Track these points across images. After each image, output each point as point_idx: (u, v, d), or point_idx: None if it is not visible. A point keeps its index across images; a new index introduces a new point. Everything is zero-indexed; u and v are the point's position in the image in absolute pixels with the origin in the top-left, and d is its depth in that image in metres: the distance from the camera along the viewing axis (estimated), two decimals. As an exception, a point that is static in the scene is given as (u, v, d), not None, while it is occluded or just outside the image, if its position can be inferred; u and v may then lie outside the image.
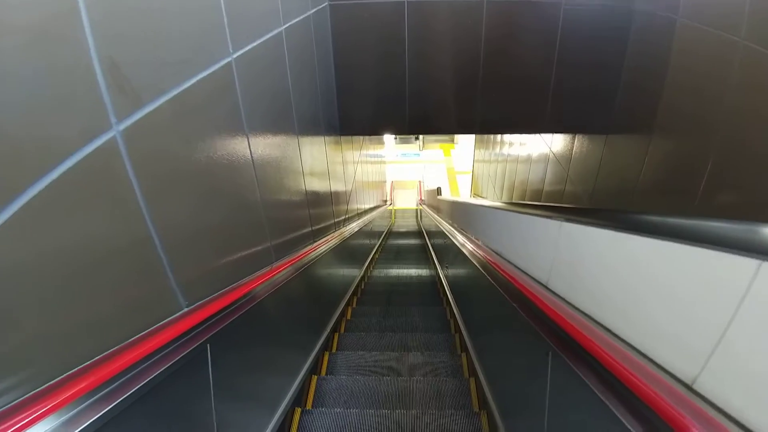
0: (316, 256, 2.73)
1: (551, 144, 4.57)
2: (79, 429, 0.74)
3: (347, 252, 4.33)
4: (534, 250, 1.52)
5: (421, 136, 16.41)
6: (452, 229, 4.29)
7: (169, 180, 1.05)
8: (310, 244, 2.58)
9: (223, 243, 1.39)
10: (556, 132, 4.30)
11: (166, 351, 0.99)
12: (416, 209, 12.58)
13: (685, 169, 2.39)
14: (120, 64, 0.91)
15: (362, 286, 5.32)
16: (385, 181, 12.36)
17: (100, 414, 0.78)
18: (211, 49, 1.28)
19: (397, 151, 16.59)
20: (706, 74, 2.34)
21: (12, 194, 0.66)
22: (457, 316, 3.48)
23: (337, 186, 3.79)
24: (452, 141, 16.81)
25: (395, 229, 11.25)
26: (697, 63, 2.43)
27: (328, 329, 3.16)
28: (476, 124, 3.79)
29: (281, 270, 1.89)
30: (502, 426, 1.82)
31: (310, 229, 2.61)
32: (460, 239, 3.59)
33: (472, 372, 2.57)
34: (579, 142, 3.87)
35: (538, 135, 5.02)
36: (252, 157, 1.58)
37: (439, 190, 9.03)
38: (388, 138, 15.34)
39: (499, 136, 7.74)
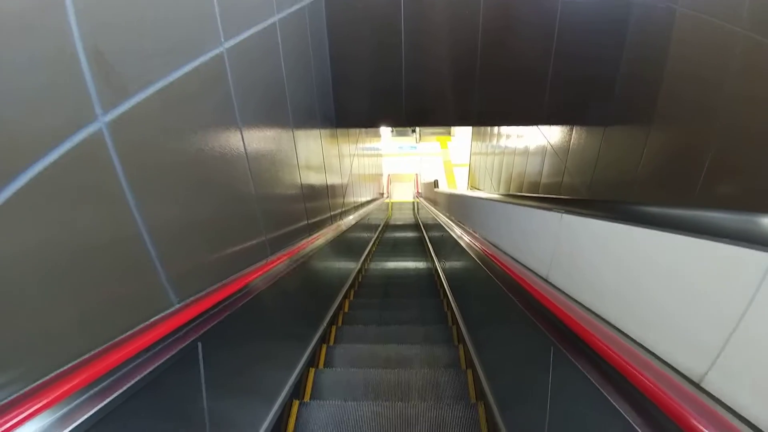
0: (313, 250, 2.71)
1: (549, 136, 4.54)
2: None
3: (344, 245, 4.31)
4: (534, 243, 1.50)
5: (417, 129, 16.34)
6: (449, 221, 4.27)
7: (158, 173, 1.02)
8: (307, 237, 2.56)
9: (216, 237, 1.36)
10: (555, 124, 4.28)
11: (157, 349, 0.97)
12: (413, 202, 12.55)
13: (685, 160, 2.38)
14: (106, 54, 0.87)
15: (359, 279, 5.32)
16: (381, 174, 12.31)
17: (88, 415, 0.76)
18: (201, 39, 1.24)
19: (394, 143, 16.51)
20: (706, 64, 2.32)
21: (-9, 189, 0.63)
22: (454, 308, 3.49)
23: (333, 179, 3.76)
24: (449, 133, 16.74)
25: (392, 222, 11.23)
26: (697, 53, 2.41)
27: (326, 322, 3.16)
28: (473, 115, 3.75)
29: (277, 264, 1.87)
30: (499, 416, 1.83)
31: (306, 222, 2.58)
32: (457, 232, 3.58)
33: (470, 363, 2.57)
34: (577, 134, 3.85)
35: (535, 127, 4.99)
36: (245, 149, 1.54)
37: (436, 183, 9.00)
38: (385, 131, 15.27)
39: (496, 129, 7.70)
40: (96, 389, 0.81)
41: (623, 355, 0.77)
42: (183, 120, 1.14)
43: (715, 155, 2.12)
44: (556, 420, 1.19)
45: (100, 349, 0.82)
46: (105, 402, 0.81)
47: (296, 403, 2.16)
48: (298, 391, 2.30)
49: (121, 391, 0.84)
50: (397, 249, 7.88)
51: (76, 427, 0.74)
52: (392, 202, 12.99)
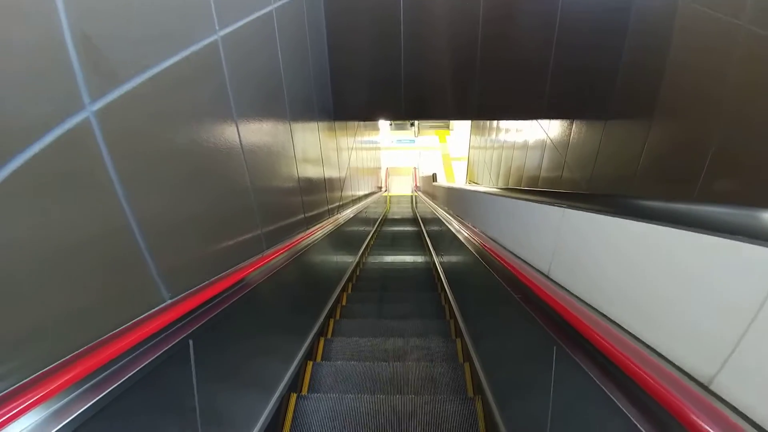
0: (310, 243, 2.68)
1: (548, 130, 4.51)
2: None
3: (342, 239, 4.29)
4: (535, 238, 1.47)
5: (416, 123, 16.27)
6: (448, 215, 4.25)
7: (149, 165, 0.99)
8: (303, 231, 2.53)
9: (210, 231, 1.33)
10: (555, 118, 4.24)
11: (147, 346, 0.94)
12: (411, 196, 12.52)
13: (687, 154, 2.35)
14: (94, 40, 0.84)
15: (357, 273, 5.31)
16: (380, 168, 12.26)
17: (73, 417, 0.73)
18: (195, 26, 1.20)
19: (393, 137, 16.44)
20: (708, 54, 2.28)
21: (-29, 180, 0.61)
22: (452, 302, 3.48)
23: (331, 172, 3.72)
24: (448, 127, 16.67)
25: (390, 215, 11.21)
26: (700, 42, 2.37)
27: (324, 315, 3.15)
28: (473, 109, 3.71)
29: (273, 258, 1.84)
30: (496, 410, 1.82)
31: (303, 215, 2.55)
32: (455, 226, 3.56)
33: (467, 357, 2.57)
34: (577, 128, 3.82)
35: (535, 121, 4.95)
36: (241, 141, 1.51)
37: (434, 177, 8.96)
38: (384, 124, 15.19)
39: (495, 123, 7.66)
40: (82, 389, 0.78)
41: (629, 355, 0.75)
42: (175, 109, 1.11)
43: (718, 148, 2.09)
44: (557, 417, 1.17)
45: (86, 347, 0.79)
46: (91, 402, 0.78)
47: (294, 396, 2.16)
48: (296, 385, 2.30)
49: (108, 390, 0.81)
50: (395, 243, 7.87)
51: (61, 429, 0.71)
52: (390, 196, 12.96)
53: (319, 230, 2.95)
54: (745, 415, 0.55)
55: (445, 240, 4.54)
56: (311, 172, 2.86)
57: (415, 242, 7.69)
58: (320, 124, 3.18)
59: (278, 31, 2.00)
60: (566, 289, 1.11)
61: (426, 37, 3.40)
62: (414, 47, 3.42)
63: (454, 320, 3.24)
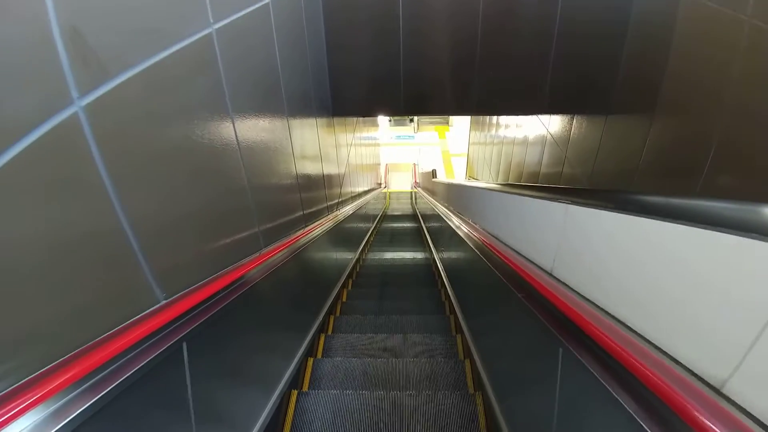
0: (308, 241, 2.66)
1: (549, 125, 4.47)
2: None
3: (341, 236, 4.27)
4: (537, 235, 1.45)
5: (415, 118, 16.20)
6: (448, 212, 4.23)
7: (141, 162, 0.96)
8: (302, 228, 2.50)
9: (206, 229, 1.31)
10: (556, 113, 4.21)
11: (140, 349, 0.91)
12: (411, 192, 12.49)
13: (690, 149, 2.32)
14: (83, 33, 0.81)
15: (357, 269, 5.29)
16: (379, 164, 12.22)
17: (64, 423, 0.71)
18: (188, 18, 1.17)
19: (392, 133, 16.38)
20: (712, 47, 2.25)
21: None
22: (452, 298, 3.47)
23: (329, 169, 3.69)
24: (447, 123, 16.61)
25: (390, 212, 11.18)
26: (703, 36, 2.34)
27: (324, 312, 3.14)
28: (473, 105, 3.68)
29: (271, 256, 1.82)
30: (497, 405, 1.82)
31: (302, 213, 2.53)
32: (455, 222, 3.53)
33: (467, 353, 2.56)
34: (578, 123, 3.79)
35: (535, 116, 4.92)
36: (237, 138, 1.48)
37: (434, 173, 8.93)
38: (383, 120, 15.13)
39: (495, 118, 7.62)
40: (67, 398, 0.76)
41: (637, 357, 0.73)
42: (169, 105, 1.08)
43: (721, 142, 2.07)
44: (558, 413, 1.16)
45: (71, 354, 0.76)
46: (81, 408, 0.76)
47: (295, 393, 2.16)
48: (296, 381, 2.30)
49: (99, 396, 0.79)
50: (395, 239, 7.85)
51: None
52: (390, 192, 12.93)
53: (318, 227, 2.93)
54: (760, 420, 0.53)
55: (444, 236, 4.52)
56: (310, 168, 2.84)
57: (415, 238, 7.67)
58: (319, 120, 3.15)
59: (275, 25, 1.96)
60: (571, 288, 1.09)
61: (425, 33, 3.36)
62: (413, 43, 3.39)
63: (454, 316, 3.23)
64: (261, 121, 1.79)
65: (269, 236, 1.87)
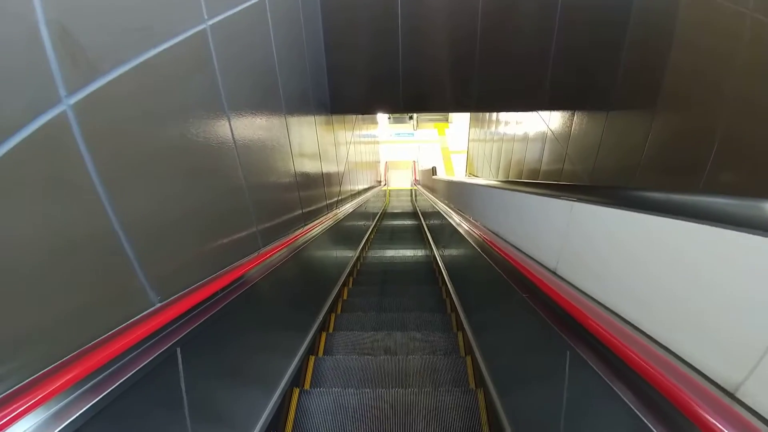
0: (308, 240, 2.64)
1: (549, 122, 4.44)
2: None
3: (341, 234, 4.25)
4: (541, 234, 1.43)
5: (415, 116, 16.16)
6: (448, 209, 4.20)
7: (133, 162, 0.94)
8: (301, 227, 2.48)
9: (202, 230, 1.28)
10: (557, 109, 4.17)
11: (134, 354, 0.89)
12: (411, 189, 12.46)
13: (692, 144, 2.29)
14: (71, 29, 0.79)
15: (358, 267, 5.28)
16: (379, 162, 12.19)
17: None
18: (181, 14, 1.15)
19: (391, 131, 16.33)
20: (715, 42, 2.22)
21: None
22: (453, 295, 3.46)
23: (329, 167, 3.67)
24: (446, 120, 16.56)
25: (390, 210, 11.16)
26: (705, 31, 2.31)
27: (325, 310, 3.14)
28: (473, 101, 3.66)
29: (269, 256, 1.80)
30: (498, 402, 1.82)
31: (301, 211, 2.51)
32: (456, 219, 3.51)
33: (469, 350, 2.56)
34: (578, 119, 3.76)
35: (535, 113, 4.89)
36: (233, 136, 1.46)
37: (434, 170, 8.90)
38: (382, 118, 15.09)
39: (494, 115, 7.58)
40: (62, 403, 0.73)
41: (648, 360, 0.70)
42: (161, 103, 1.05)
43: (724, 138, 2.04)
44: (559, 409, 1.14)
45: (59, 362, 0.74)
46: (74, 416, 0.74)
47: (296, 391, 2.16)
48: (298, 380, 2.30)
49: (90, 404, 0.77)
50: (395, 237, 7.83)
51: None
52: (390, 190, 12.90)
53: (318, 226, 2.91)
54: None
55: (445, 234, 4.50)
56: (309, 167, 2.81)
57: (415, 236, 7.65)
58: (317, 118, 3.12)
59: (272, 22, 1.94)
60: (577, 288, 1.06)
61: (424, 31, 3.35)
62: (412, 41, 3.37)
63: (455, 313, 3.22)
64: (258, 119, 1.76)
65: (268, 236, 1.84)
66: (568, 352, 1.05)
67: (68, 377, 0.72)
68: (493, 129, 7.74)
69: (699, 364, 0.64)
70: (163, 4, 1.07)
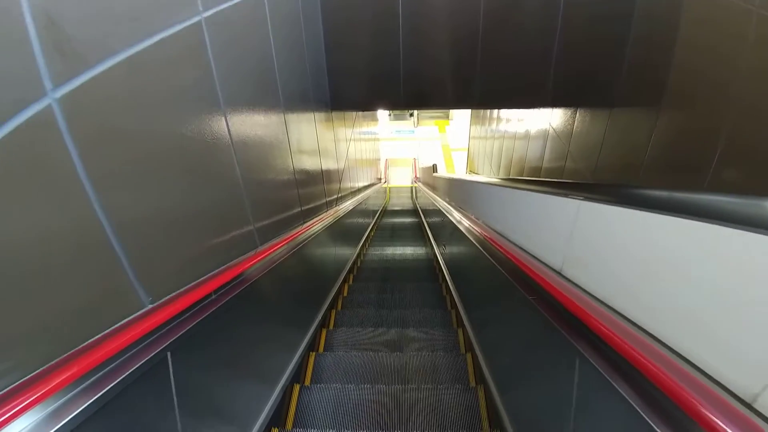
0: (307, 237, 2.61)
1: (551, 119, 4.40)
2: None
3: (341, 231, 4.22)
4: (545, 233, 1.39)
5: (415, 113, 16.11)
6: (449, 207, 4.17)
7: (123, 158, 0.90)
8: (300, 225, 2.45)
9: (197, 229, 1.25)
10: (559, 106, 4.13)
11: (125, 357, 0.86)
12: (411, 187, 12.42)
13: (697, 143, 2.26)
14: (57, 19, 0.75)
15: (358, 264, 5.25)
16: (379, 159, 12.14)
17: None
18: (174, 5, 1.11)
19: (392, 128, 16.27)
20: (720, 39, 2.18)
21: None
22: (453, 292, 3.45)
23: (328, 164, 3.63)
24: (447, 117, 16.49)
25: (390, 207, 11.12)
26: (710, 28, 2.27)
27: (325, 307, 3.13)
28: (474, 101, 3.64)
29: (267, 254, 1.76)
30: (498, 398, 1.81)
31: (300, 209, 2.47)
32: (456, 217, 3.49)
33: (469, 347, 2.56)
34: (581, 117, 3.72)
35: (537, 110, 4.85)
36: (230, 132, 1.42)
37: (434, 168, 8.86)
38: (383, 115, 15.03)
39: (495, 112, 7.54)
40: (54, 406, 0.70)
41: (662, 367, 0.67)
42: (153, 96, 1.02)
43: (730, 136, 2.01)
44: (560, 404, 1.11)
45: (47, 366, 0.71)
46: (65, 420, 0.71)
47: (297, 387, 2.16)
48: (298, 376, 2.30)
49: (88, 403, 0.74)
50: (395, 234, 7.80)
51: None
52: (390, 187, 12.85)
53: (318, 223, 2.89)
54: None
55: (446, 231, 4.48)
56: (308, 163, 2.78)
57: (416, 233, 7.62)
58: (317, 114, 3.09)
59: (269, 15, 1.90)
60: (584, 290, 1.03)
61: (426, 30, 3.33)
62: (413, 41, 3.35)
63: (455, 310, 3.21)
64: (256, 115, 1.73)
65: (265, 234, 1.81)
66: (577, 359, 1.02)
67: (45, 389, 0.69)
68: (494, 126, 7.69)
69: (716, 373, 0.61)
70: (156, -5, 1.03)
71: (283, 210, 2.16)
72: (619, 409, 0.82)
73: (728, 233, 0.60)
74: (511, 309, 1.80)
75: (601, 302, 0.95)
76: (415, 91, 3.56)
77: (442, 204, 4.77)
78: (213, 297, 1.29)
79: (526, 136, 5.38)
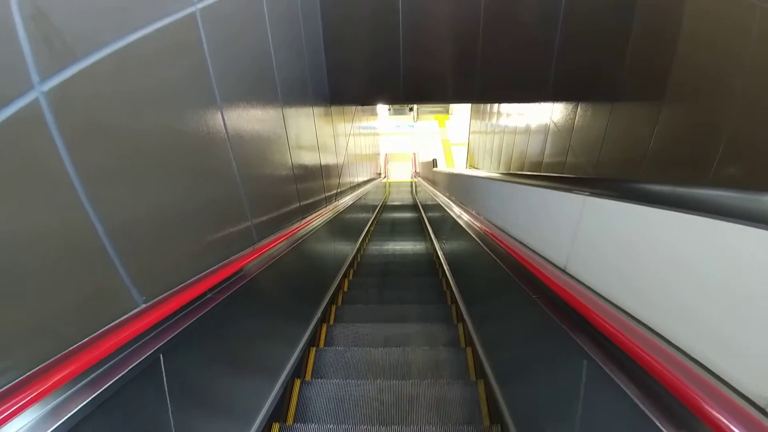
0: (306, 233, 2.59)
1: (552, 113, 4.37)
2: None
3: (340, 227, 4.20)
4: (548, 229, 1.37)
5: (415, 108, 16.04)
6: (449, 201, 4.16)
7: (114, 153, 0.87)
8: (299, 220, 2.43)
9: (193, 226, 1.23)
10: (561, 100, 4.10)
11: (118, 358, 0.84)
12: (411, 182, 12.39)
13: (700, 138, 2.23)
14: (45, 9, 0.73)
15: (358, 259, 5.25)
16: (378, 154, 12.10)
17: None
18: (168, -4, 1.08)
19: (391, 122, 16.21)
20: (724, 33, 2.15)
21: None
22: (453, 287, 3.45)
23: (327, 159, 3.60)
24: (447, 112, 16.42)
25: (390, 202, 11.10)
26: (714, 22, 2.24)
27: (326, 302, 3.12)
28: (475, 96, 3.61)
29: (266, 250, 1.75)
30: (498, 393, 1.81)
31: (298, 204, 2.45)
32: (456, 212, 3.47)
33: (469, 342, 2.55)
34: (582, 111, 3.68)
35: (538, 104, 4.81)
36: (226, 126, 1.39)
37: (434, 162, 8.84)
38: (382, 109, 14.97)
39: (495, 107, 7.49)
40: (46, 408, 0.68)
41: (674, 371, 0.65)
42: (146, 90, 0.99)
43: (734, 131, 1.98)
44: (560, 400, 1.09)
45: (39, 367, 0.69)
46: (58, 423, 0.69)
47: (298, 382, 2.16)
48: (299, 371, 2.29)
49: (83, 404, 0.71)
50: (395, 229, 7.79)
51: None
52: (390, 182, 12.82)
53: (317, 218, 2.87)
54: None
55: (446, 226, 4.46)
56: (307, 159, 2.75)
57: (416, 228, 7.61)
58: (316, 109, 3.06)
59: (267, 7, 1.86)
60: (589, 288, 1.00)
61: (426, 25, 3.30)
62: (413, 36, 3.32)
63: (455, 305, 3.20)
64: (253, 110, 1.70)
65: (263, 230, 1.79)
66: (582, 358, 0.99)
67: (35, 393, 0.67)
68: (494, 121, 7.65)
69: (730, 378, 0.59)
70: (148, -15, 1.00)
71: (282, 206, 2.14)
72: (623, 407, 0.80)
73: (744, 232, 0.58)
74: (512, 304, 1.79)
75: (611, 302, 0.92)
76: (415, 85, 3.53)
77: (442, 199, 4.74)
78: (209, 295, 1.27)
79: (527, 131, 5.35)
